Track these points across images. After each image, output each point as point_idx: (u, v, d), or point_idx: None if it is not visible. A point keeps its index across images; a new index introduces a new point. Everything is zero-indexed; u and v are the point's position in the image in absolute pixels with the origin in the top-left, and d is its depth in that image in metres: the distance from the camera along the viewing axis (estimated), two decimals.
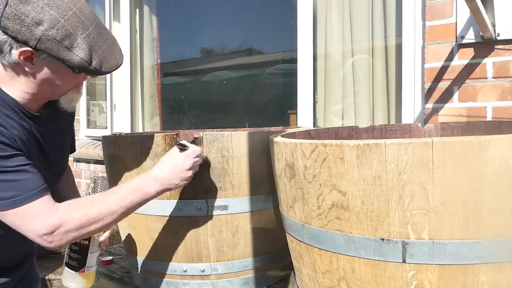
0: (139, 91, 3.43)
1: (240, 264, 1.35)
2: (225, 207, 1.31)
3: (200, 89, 3.38)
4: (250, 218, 1.34)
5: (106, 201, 1.06)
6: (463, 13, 1.70)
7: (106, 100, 3.49)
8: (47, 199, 1.01)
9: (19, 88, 1.03)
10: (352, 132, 1.52)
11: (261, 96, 3.03)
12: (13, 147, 0.99)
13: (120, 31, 3.37)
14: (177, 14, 3.42)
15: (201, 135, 1.27)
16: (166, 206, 1.32)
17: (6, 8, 0.93)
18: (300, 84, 2.36)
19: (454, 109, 1.76)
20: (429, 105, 1.81)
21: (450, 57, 1.76)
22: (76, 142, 1.40)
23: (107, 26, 3.33)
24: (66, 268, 1.26)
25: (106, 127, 3.50)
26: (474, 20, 1.56)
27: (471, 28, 1.69)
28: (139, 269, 1.44)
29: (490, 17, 1.61)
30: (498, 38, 1.62)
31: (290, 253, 1.13)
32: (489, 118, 1.68)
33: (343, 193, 0.86)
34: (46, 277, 2.31)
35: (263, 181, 1.34)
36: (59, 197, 1.10)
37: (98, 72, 1.02)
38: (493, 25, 1.61)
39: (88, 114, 3.68)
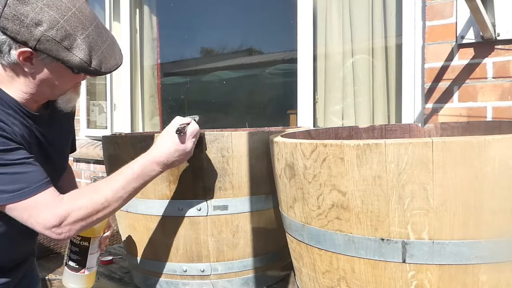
0: (139, 91, 3.43)
1: (240, 264, 1.35)
2: (225, 207, 1.31)
3: (200, 89, 3.38)
4: (250, 218, 1.34)
5: (110, 187, 1.06)
6: (463, 13, 1.70)
7: (106, 100, 3.49)
8: (52, 191, 1.02)
9: (18, 88, 1.03)
10: (352, 132, 1.52)
11: (261, 96, 3.03)
12: (15, 141, 0.99)
13: (120, 31, 3.37)
14: (177, 14, 3.42)
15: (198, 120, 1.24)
16: (166, 206, 1.32)
17: (5, 9, 0.93)
18: (300, 84, 2.36)
19: (454, 109, 1.76)
20: (429, 105, 1.81)
21: (450, 57, 1.76)
22: (76, 142, 1.40)
23: (107, 26, 3.33)
24: (66, 268, 1.26)
25: (106, 127, 3.50)
26: (474, 20, 1.56)
27: (471, 28, 1.69)
28: (139, 269, 1.44)
29: (490, 17, 1.61)
30: (498, 38, 1.62)
31: (290, 253, 1.13)
32: (489, 118, 1.68)
33: (343, 193, 0.86)
34: (46, 277, 2.31)
35: (263, 181, 1.34)
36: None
37: (97, 72, 1.02)
38: (493, 25, 1.61)
39: (88, 114, 3.68)
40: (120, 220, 1.50)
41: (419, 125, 1.50)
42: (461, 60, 1.73)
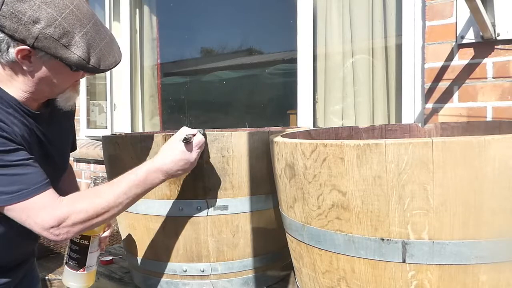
0: (139, 91, 3.43)
1: (240, 264, 1.35)
2: (225, 207, 1.31)
3: (200, 89, 3.38)
4: (250, 218, 1.34)
5: (112, 192, 1.06)
6: (463, 13, 1.70)
7: (106, 100, 3.49)
8: (51, 193, 1.01)
9: (17, 87, 1.03)
10: (352, 132, 1.52)
11: (261, 96, 3.03)
12: (15, 142, 0.99)
13: (120, 31, 3.37)
14: (177, 14, 3.42)
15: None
16: (166, 206, 1.32)
17: (3, 7, 0.93)
18: (300, 84, 2.36)
19: (454, 109, 1.76)
20: (429, 105, 1.81)
21: (450, 57, 1.76)
22: (76, 141, 1.40)
23: (107, 26, 3.33)
24: (66, 267, 1.26)
25: (106, 127, 3.50)
26: (474, 20, 1.56)
27: (471, 28, 1.69)
28: (139, 269, 1.44)
29: (490, 17, 1.61)
30: (498, 38, 1.62)
31: (290, 253, 1.13)
32: (489, 118, 1.68)
33: (343, 193, 0.86)
34: (46, 277, 2.31)
35: (263, 181, 1.34)
36: (60, 195, 1.10)
37: (96, 70, 1.02)
38: (493, 25, 1.61)
39: (88, 114, 3.68)
40: (120, 220, 1.50)
41: (419, 125, 1.50)
42: (461, 60, 1.73)
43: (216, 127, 2.02)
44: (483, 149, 0.75)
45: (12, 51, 0.96)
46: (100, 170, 3.32)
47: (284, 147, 0.99)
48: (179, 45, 3.46)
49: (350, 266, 0.89)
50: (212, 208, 1.30)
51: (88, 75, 1.10)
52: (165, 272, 1.37)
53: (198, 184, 1.29)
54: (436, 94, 1.79)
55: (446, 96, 1.77)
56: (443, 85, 1.78)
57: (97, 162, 3.35)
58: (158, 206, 1.33)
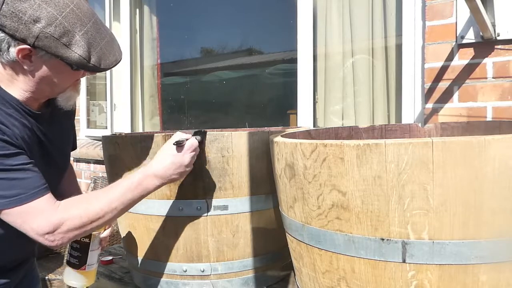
0: (139, 91, 3.43)
1: (240, 264, 1.35)
2: (225, 207, 1.31)
3: (200, 89, 3.38)
4: (250, 218, 1.34)
5: (106, 198, 1.06)
6: (463, 13, 1.70)
7: (106, 100, 3.49)
8: (49, 198, 1.01)
9: (18, 87, 1.03)
10: (352, 132, 1.52)
11: (261, 96, 3.03)
12: (15, 145, 0.99)
13: (120, 31, 3.37)
14: (177, 14, 3.42)
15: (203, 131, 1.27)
16: (166, 206, 1.32)
17: (3, 6, 0.93)
18: (300, 84, 2.36)
19: (454, 109, 1.76)
20: (429, 105, 1.81)
21: (450, 57, 1.76)
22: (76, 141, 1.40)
23: (107, 26, 3.33)
24: (67, 266, 1.26)
25: (106, 127, 3.50)
26: (474, 20, 1.56)
27: (471, 28, 1.69)
28: (139, 269, 1.44)
29: (490, 17, 1.61)
30: (498, 38, 1.62)
31: (290, 253, 1.13)
32: (489, 118, 1.68)
33: (343, 193, 0.86)
34: (46, 277, 2.31)
35: (263, 181, 1.34)
36: (61, 195, 1.10)
37: (97, 69, 1.02)
38: (493, 25, 1.61)
39: (88, 114, 3.68)
40: (120, 220, 1.50)
41: (419, 125, 1.50)
42: (461, 60, 1.73)
43: (216, 127, 2.03)
44: (483, 149, 0.75)
45: (13, 51, 0.96)
46: (100, 170, 3.32)
47: (284, 147, 0.99)
48: (179, 45, 3.47)
49: (350, 266, 0.89)
50: (212, 208, 1.30)
51: (88, 74, 1.10)
52: (165, 272, 1.37)
53: (198, 184, 1.29)
54: (436, 94, 1.79)
55: (446, 96, 1.77)
56: (443, 85, 1.78)
57: (97, 162, 3.35)
58: (158, 206, 1.33)
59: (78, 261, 1.24)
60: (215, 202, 1.30)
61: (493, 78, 1.66)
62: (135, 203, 1.11)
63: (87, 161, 3.45)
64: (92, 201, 1.06)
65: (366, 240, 0.85)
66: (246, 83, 3.15)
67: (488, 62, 1.67)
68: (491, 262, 0.79)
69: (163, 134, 1.30)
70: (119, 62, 1.07)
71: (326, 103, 2.33)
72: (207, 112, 3.30)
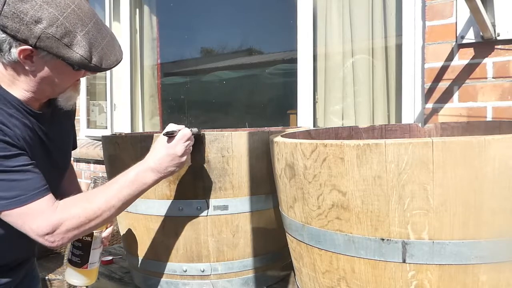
0: (139, 91, 3.43)
1: (240, 264, 1.35)
2: (225, 207, 1.31)
3: (200, 89, 3.39)
4: (250, 218, 1.34)
5: (103, 195, 1.06)
6: (463, 13, 1.70)
7: (106, 100, 3.49)
8: (48, 199, 1.01)
9: (20, 87, 1.03)
10: (352, 132, 1.52)
11: (261, 96, 3.03)
12: (16, 147, 0.99)
13: (120, 31, 3.37)
14: (177, 14, 3.42)
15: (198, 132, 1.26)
16: (166, 206, 1.32)
17: (5, 7, 0.93)
18: (300, 84, 2.36)
19: (454, 109, 1.76)
20: (429, 105, 1.81)
21: (450, 57, 1.76)
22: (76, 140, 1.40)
23: (107, 26, 3.33)
24: (69, 264, 1.26)
25: (106, 127, 3.50)
26: (474, 20, 1.56)
27: (471, 28, 1.69)
28: (139, 269, 1.44)
29: (490, 17, 1.61)
30: (498, 38, 1.62)
31: (290, 253, 1.13)
32: (489, 118, 1.68)
33: (343, 193, 0.86)
34: (46, 277, 2.31)
35: (263, 181, 1.34)
36: (62, 195, 1.10)
37: (98, 69, 1.02)
38: (493, 25, 1.61)
39: (88, 114, 3.68)
40: (120, 220, 1.50)
41: (419, 125, 1.50)
42: (461, 60, 1.73)
43: (216, 127, 2.03)
44: (483, 149, 0.75)
45: (14, 51, 0.96)
46: (100, 170, 3.32)
47: (284, 147, 0.99)
48: (179, 45, 3.47)
49: (350, 266, 0.89)
50: (212, 208, 1.30)
51: (90, 74, 1.10)
52: (165, 272, 1.37)
53: (198, 184, 1.29)
54: (436, 94, 1.79)
55: (446, 96, 1.77)
56: (443, 85, 1.78)
57: (97, 162, 3.35)
58: (158, 206, 1.33)
59: (80, 260, 1.24)
60: (215, 202, 1.30)
61: (493, 78, 1.66)
62: (134, 199, 1.10)
63: (87, 161, 3.45)
64: (90, 200, 1.05)
65: (366, 240, 0.85)
66: (246, 83, 3.15)
67: (488, 62, 1.67)
68: (491, 262, 0.79)
69: None
70: (120, 62, 1.07)
71: (326, 103, 2.33)
72: (207, 112, 3.30)
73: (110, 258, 1.76)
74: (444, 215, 0.78)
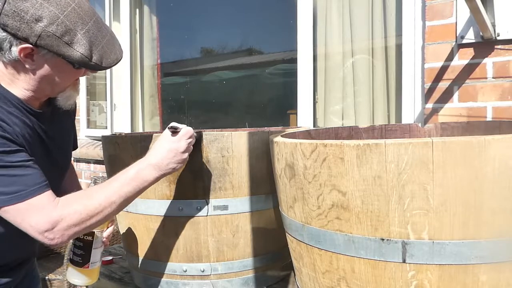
0: (139, 91, 3.43)
1: (240, 264, 1.35)
2: (225, 207, 1.31)
3: (200, 89, 3.39)
4: (250, 218, 1.34)
5: (104, 192, 1.05)
6: (463, 13, 1.70)
7: (106, 100, 3.49)
8: (49, 195, 1.01)
9: (20, 86, 1.03)
10: (352, 132, 1.52)
11: (261, 96, 3.03)
12: (16, 143, 0.99)
13: (120, 31, 3.37)
14: (177, 14, 3.42)
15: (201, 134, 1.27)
16: (166, 206, 1.32)
17: (5, 5, 0.93)
18: (300, 84, 2.36)
19: (454, 109, 1.76)
20: (429, 105, 1.81)
21: (450, 57, 1.76)
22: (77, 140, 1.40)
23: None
24: (70, 264, 1.26)
25: (106, 127, 3.50)
26: (474, 20, 1.56)
27: (471, 28, 1.69)
28: (139, 269, 1.44)
29: (490, 17, 1.61)
30: (498, 38, 1.62)
31: (290, 253, 1.13)
32: (489, 118, 1.68)
33: (343, 193, 0.86)
34: (46, 277, 2.31)
35: (263, 181, 1.34)
36: (62, 194, 1.09)
37: (98, 67, 1.02)
38: (493, 25, 1.61)
39: (88, 114, 3.68)
40: (120, 220, 1.50)
41: (419, 125, 1.50)
42: (461, 60, 1.73)
43: (216, 127, 2.03)
44: (483, 149, 0.75)
45: (15, 50, 0.96)
46: (100, 170, 3.32)
47: (284, 147, 0.99)
48: (179, 45, 3.47)
49: (350, 266, 0.89)
50: (212, 208, 1.30)
51: (90, 72, 1.10)
52: (165, 272, 1.37)
53: (198, 184, 1.29)
54: (436, 94, 1.79)
55: (446, 96, 1.77)
56: (443, 85, 1.78)
57: (97, 162, 3.35)
58: (158, 206, 1.33)
59: (81, 259, 1.24)
60: (215, 202, 1.30)
61: (493, 78, 1.66)
62: (135, 196, 1.09)
63: (87, 161, 3.45)
64: (90, 196, 1.04)
65: (366, 240, 0.85)
66: (246, 83, 3.16)
67: (488, 62, 1.67)
68: (491, 262, 0.79)
69: None
70: (120, 60, 1.07)
71: (326, 103, 2.33)
72: (207, 112, 3.30)
73: (110, 258, 1.76)
74: (444, 215, 0.78)
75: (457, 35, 1.72)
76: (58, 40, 0.96)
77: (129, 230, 1.44)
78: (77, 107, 1.41)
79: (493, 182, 0.76)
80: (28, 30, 0.94)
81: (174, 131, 1.12)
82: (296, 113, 2.41)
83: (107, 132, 3.37)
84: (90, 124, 3.68)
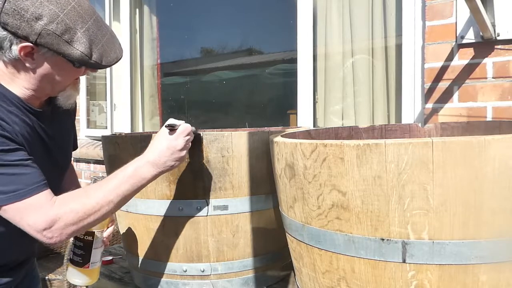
0: (139, 91, 3.43)
1: (240, 264, 1.35)
2: (225, 207, 1.31)
3: (200, 89, 3.39)
4: (250, 218, 1.34)
5: (102, 190, 1.04)
6: (463, 13, 1.70)
7: (106, 100, 3.49)
8: (47, 194, 1.01)
9: (20, 85, 1.03)
10: (352, 132, 1.52)
11: (261, 96, 3.03)
12: (15, 142, 0.99)
13: (120, 31, 3.37)
14: (177, 14, 3.42)
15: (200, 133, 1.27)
16: (166, 206, 1.32)
17: (5, 4, 0.93)
18: (300, 84, 2.36)
19: (454, 109, 1.76)
20: (429, 105, 1.81)
21: (450, 57, 1.76)
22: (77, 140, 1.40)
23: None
24: (70, 264, 1.26)
25: (106, 127, 3.50)
26: (474, 20, 1.56)
27: (471, 28, 1.69)
28: (139, 269, 1.44)
29: (490, 17, 1.61)
30: (498, 38, 1.62)
31: (290, 253, 1.13)
32: (489, 118, 1.68)
33: (343, 193, 0.86)
34: (46, 277, 2.31)
35: (263, 181, 1.34)
36: (61, 194, 1.09)
37: (98, 65, 1.02)
38: (493, 25, 1.61)
39: (88, 114, 3.68)
40: (120, 220, 1.50)
41: (419, 125, 1.50)
42: (461, 60, 1.73)
43: (216, 127, 2.03)
44: (483, 149, 0.75)
45: (15, 49, 0.96)
46: (100, 170, 3.32)
47: (284, 147, 0.99)
48: (179, 45, 3.47)
49: (350, 266, 0.89)
50: (212, 208, 1.30)
51: (90, 71, 1.10)
52: (165, 272, 1.37)
53: (198, 184, 1.29)
54: (436, 94, 1.79)
55: (446, 96, 1.77)
56: (443, 85, 1.78)
57: (97, 162, 3.35)
58: (158, 206, 1.33)
59: (82, 260, 1.24)
60: (215, 202, 1.30)
61: (493, 78, 1.66)
62: (133, 194, 1.08)
63: (87, 161, 3.45)
64: (88, 195, 1.04)
65: (366, 240, 0.85)
66: (246, 83, 3.16)
67: (488, 62, 1.67)
68: (491, 262, 0.79)
69: None
70: (120, 59, 1.07)
71: (326, 103, 2.33)
72: (207, 112, 3.30)
73: (110, 258, 1.76)
74: (444, 215, 0.78)
75: (457, 35, 1.72)
76: (58, 38, 0.96)
77: (129, 230, 1.44)
78: (77, 107, 1.41)
79: (493, 182, 0.76)
80: (28, 29, 0.94)
81: (172, 129, 1.11)
82: (296, 113, 2.41)
83: (107, 132, 3.37)
84: (90, 124, 3.68)
